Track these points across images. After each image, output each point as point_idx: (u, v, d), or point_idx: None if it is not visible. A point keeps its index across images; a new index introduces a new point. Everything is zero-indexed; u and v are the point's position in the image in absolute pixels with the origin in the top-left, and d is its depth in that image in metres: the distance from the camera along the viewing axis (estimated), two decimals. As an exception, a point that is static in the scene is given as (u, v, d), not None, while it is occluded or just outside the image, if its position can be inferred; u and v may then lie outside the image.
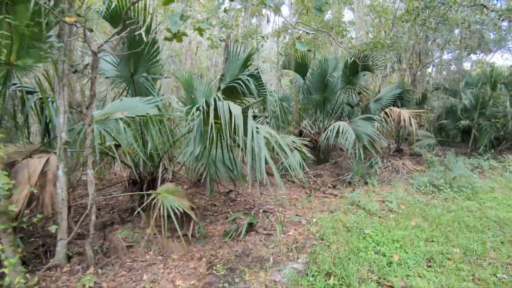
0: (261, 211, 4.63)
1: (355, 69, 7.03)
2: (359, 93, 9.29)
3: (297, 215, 4.46)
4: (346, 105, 9.09)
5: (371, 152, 6.13)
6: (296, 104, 8.71)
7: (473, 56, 17.79)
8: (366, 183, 6.10)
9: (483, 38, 7.91)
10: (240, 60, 5.48)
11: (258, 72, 3.91)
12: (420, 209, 4.60)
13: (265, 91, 4.23)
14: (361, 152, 6.00)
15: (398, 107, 7.36)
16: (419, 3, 8.44)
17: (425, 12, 8.10)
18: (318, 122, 8.47)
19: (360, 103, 9.19)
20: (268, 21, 12.81)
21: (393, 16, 9.35)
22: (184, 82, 4.62)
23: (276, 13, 5.65)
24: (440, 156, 9.41)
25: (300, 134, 8.11)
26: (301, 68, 7.84)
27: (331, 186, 6.13)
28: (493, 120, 8.76)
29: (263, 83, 3.87)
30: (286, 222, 4.14)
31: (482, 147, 9.34)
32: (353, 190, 5.81)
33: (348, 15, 27.04)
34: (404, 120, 6.38)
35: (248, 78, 3.86)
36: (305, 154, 6.50)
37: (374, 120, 6.26)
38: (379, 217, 4.39)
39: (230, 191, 5.63)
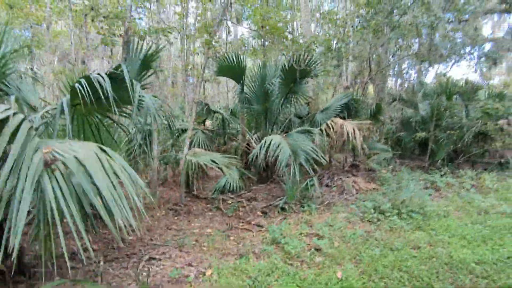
0: (144, 259, 3.38)
1: (293, 75, 6.09)
2: (308, 103, 8.43)
3: (189, 264, 3.25)
4: (295, 116, 8.17)
5: (309, 172, 5.11)
6: (242, 116, 7.67)
7: (434, 68, 17.94)
8: (303, 208, 5.06)
9: (432, 41, 7.32)
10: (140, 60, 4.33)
11: (121, 71, 2.78)
12: (356, 249, 3.55)
13: (142, 97, 3.08)
14: (296, 171, 4.97)
15: (345, 119, 6.48)
16: (370, 10, 7.83)
17: (376, 19, 7.47)
18: (259, 135, 7.43)
19: (309, 114, 8.31)
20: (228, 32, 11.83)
21: (343, 21, 8.66)
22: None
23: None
24: (397, 171, 8.65)
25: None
26: (236, 74, 6.80)
27: (261, 213, 5.02)
28: (449, 132, 8.13)
29: (127, 85, 2.74)
30: (164, 281, 2.93)
31: (439, 160, 8.69)
32: (284, 218, 4.73)
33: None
34: (348, 133, 5.45)
35: (104, 77, 2.71)
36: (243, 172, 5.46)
37: (312, 133, 5.29)
38: (301, 261, 3.29)
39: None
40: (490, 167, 8.60)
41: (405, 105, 10.93)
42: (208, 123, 9.46)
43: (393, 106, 12.26)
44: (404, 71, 19.64)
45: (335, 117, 7.09)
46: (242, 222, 4.71)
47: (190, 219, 4.92)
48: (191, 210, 5.42)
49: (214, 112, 8.07)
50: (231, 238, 4.07)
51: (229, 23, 9.61)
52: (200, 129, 7.13)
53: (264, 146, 5.17)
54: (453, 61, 19.22)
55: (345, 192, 6.52)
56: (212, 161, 4.82)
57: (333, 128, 5.60)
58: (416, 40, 10.56)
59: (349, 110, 7.14)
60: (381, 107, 8.70)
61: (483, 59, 18.78)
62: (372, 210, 4.60)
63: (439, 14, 6.61)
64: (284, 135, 5.57)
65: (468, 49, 18.46)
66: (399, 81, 19.28)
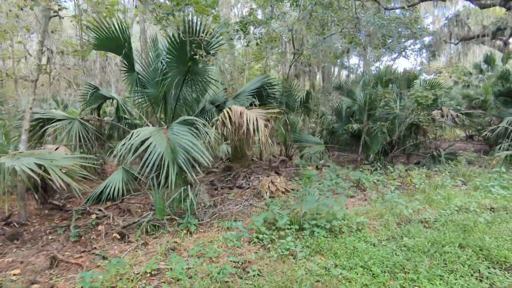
0: None
1: (184, 50, 4.69)
2: (225, 89, 7.13)
3: None
4: (210, 104, 6.83)
5: (190, 176, 3.79)
6: (139, 103, 6.16)
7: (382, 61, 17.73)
8: (181, 226, 3.76)
9: (358, 19, 6.37)
10: None
11: None
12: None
13: None
14: (172, 176, 3.65)
15: (256, 106, 5.29)
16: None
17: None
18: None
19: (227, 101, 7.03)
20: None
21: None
22: None
23: None
24: (329, 166, 7.78)
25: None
26: (118, 46, 5.22)
27: (118, 235, 3.62)
28: (380, 123, 7.36)
29: None
30: None
31: (372, 154, 7.96)
32: (145, 244, 3.40)
33: None
34: (248, 124, 4.23)
35: None
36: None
37: (197, 124, 3.98)
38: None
39: None
40: (424, 160, 8.06)
41: (342, 95, 10.12)
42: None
43: (333, 96, 11.48)
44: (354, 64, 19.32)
45: (250, 105, 5.91)
46: (83, 252, 3.30)
47: (9, 248, 3.39)
48: (31, 231, 3.88)
49: (107, 97, 6.44)
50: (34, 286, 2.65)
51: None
52: (77, 119, 5.49)
53: (130, 141, 3.76)
54: (396, 53, 19.25)
55: (256, 196, 5.38)
56: (39, 165, 3.31)
57: (229, 118, 4.34)
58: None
59: (261, 96, 5.95)
60: (310, 95, 7.72)
61: (424, 50, 18.91)
62: (263, 228, 3.44)
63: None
64: (165, 128, 4.20)
65: (406, 41, 18.53)
66: (349, 74, 18.95)
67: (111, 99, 6.76)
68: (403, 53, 14.22)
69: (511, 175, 5.86)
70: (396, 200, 4.61)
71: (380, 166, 7.25)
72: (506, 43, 14.19)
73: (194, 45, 4.50)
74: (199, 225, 3.79)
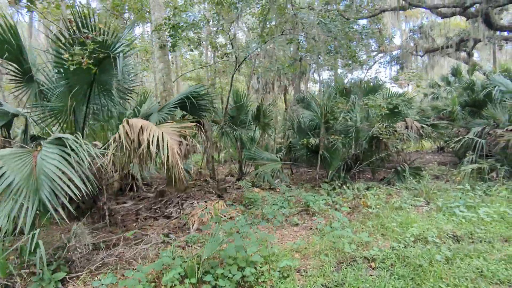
0: None
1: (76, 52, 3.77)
2: (159, 102, 6.24)
3: None
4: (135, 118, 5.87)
5: (54, 213, 2.81)
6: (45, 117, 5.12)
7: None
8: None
9: (296, 17, 5.71)
10: None
11: None
12: None
13: None
14: (30, 212, 2.66)
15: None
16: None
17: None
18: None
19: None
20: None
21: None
22: None
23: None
24: (289, 186, 6.92)
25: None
26: (10, 49, 4.25)
27: None
28: (337, 136, 6.63)
29: None
30: None
31: (330, 172, 7.19)
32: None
33: None
34: (151, 142, 3.32)
35: None
36: None
37: (68, 143, 3.03)
38: None
39: None
40: (388, 176, 7.36)
41: (303, 107, 9.44)
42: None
43: (295, 109, 10.82)
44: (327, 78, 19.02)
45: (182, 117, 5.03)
46: None
47: None
48: None
49: (15, 114, 5.40)
50: None
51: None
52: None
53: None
54: (366, 65, 19.14)
55: (180, 229, 4.42)
56: None
57: (127, 134, 3.43)
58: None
59: (194, 108, 5.07)
60: (260, 109, 6.95)
61: (393, 63, 18.84)
62: (141, 286, 2.47)
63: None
64: (37, 150, 3.23)
65: (376, 54, 18.47)
66: (320, 88, 18.59)
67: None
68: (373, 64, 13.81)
69: (477, 192, 5.18)
70: (341, 230, 3.76)
71: (339, 184, 6.47)
72: (470, 54, 14.16)
73: (88, 47, 3.60)
74: (68, 281, 2.77)
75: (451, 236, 3.66)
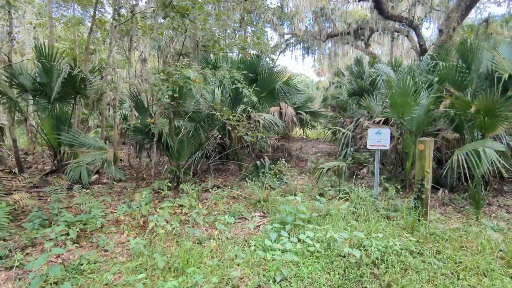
0: None
1: None
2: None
3: None
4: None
5: None
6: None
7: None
8: None
9: None
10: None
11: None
12: None
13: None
14: None
15: None
16: None
17: None
18: None
19: None
20: None
21: None
22: None
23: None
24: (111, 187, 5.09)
25: None
26: None
27: None
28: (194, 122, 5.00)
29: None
30: None
31: (181, 165, 5.58)
32: None
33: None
34: None
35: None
36: None
37: None
38: None
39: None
40: (244, 172, 6.09)
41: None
42: None
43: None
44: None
45: None
46: None
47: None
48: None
49: None
50: None
51: None
52: None
53: None
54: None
55: None
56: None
57: None
58: None
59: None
60: (75, 75, 4.88)
61: (300, 46, 18.13)
62: None
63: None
64: None
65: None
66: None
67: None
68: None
69: (327, 203, 4.08)
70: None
71: (174, 184, 4.92)
72: (366, 44, 14.04)
73: None
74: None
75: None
